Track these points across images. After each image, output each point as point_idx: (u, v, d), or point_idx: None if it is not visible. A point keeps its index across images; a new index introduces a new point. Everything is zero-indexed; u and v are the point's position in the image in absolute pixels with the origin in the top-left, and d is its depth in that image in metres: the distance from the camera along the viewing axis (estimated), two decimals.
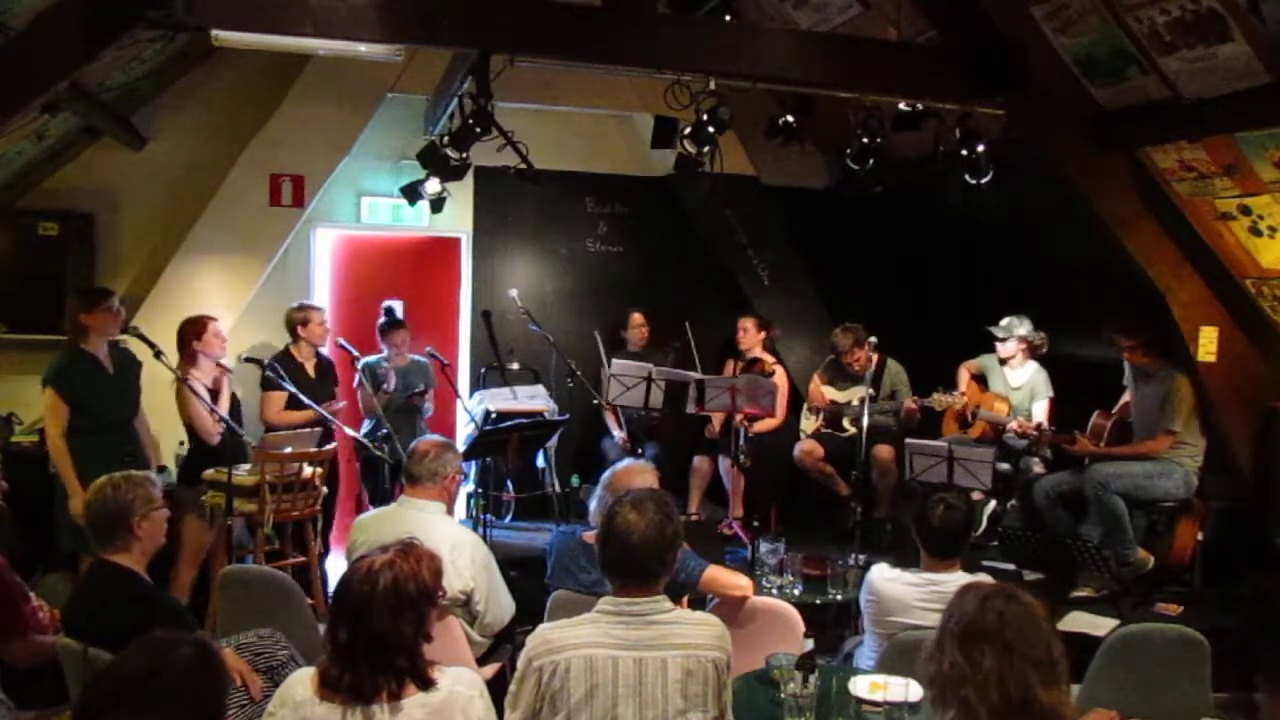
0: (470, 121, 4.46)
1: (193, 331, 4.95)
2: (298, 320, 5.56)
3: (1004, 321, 5.79)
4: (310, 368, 5.58)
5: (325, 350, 5.71)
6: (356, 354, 5.55)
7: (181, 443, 5.23)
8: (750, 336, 6.47)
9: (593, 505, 3.60)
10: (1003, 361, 5.87)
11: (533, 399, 6.11)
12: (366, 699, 2.13)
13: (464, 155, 4.80)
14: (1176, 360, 5.19)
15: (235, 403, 5.18)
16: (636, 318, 6.65)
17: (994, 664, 1.78)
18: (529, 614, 3.63)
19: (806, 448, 6.19)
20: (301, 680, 2.21)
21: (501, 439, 5.35)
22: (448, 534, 3.54)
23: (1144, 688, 3.13)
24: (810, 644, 3.50)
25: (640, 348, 6.63)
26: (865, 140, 5.08)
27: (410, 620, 2.20)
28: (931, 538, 3.30)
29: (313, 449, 4.84)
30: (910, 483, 5.17)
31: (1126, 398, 5.52)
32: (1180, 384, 5.11)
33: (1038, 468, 5.60)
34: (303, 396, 4.99)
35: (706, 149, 4.82)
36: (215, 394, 4.91)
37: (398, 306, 6.77)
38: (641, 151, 6.58)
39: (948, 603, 1.99)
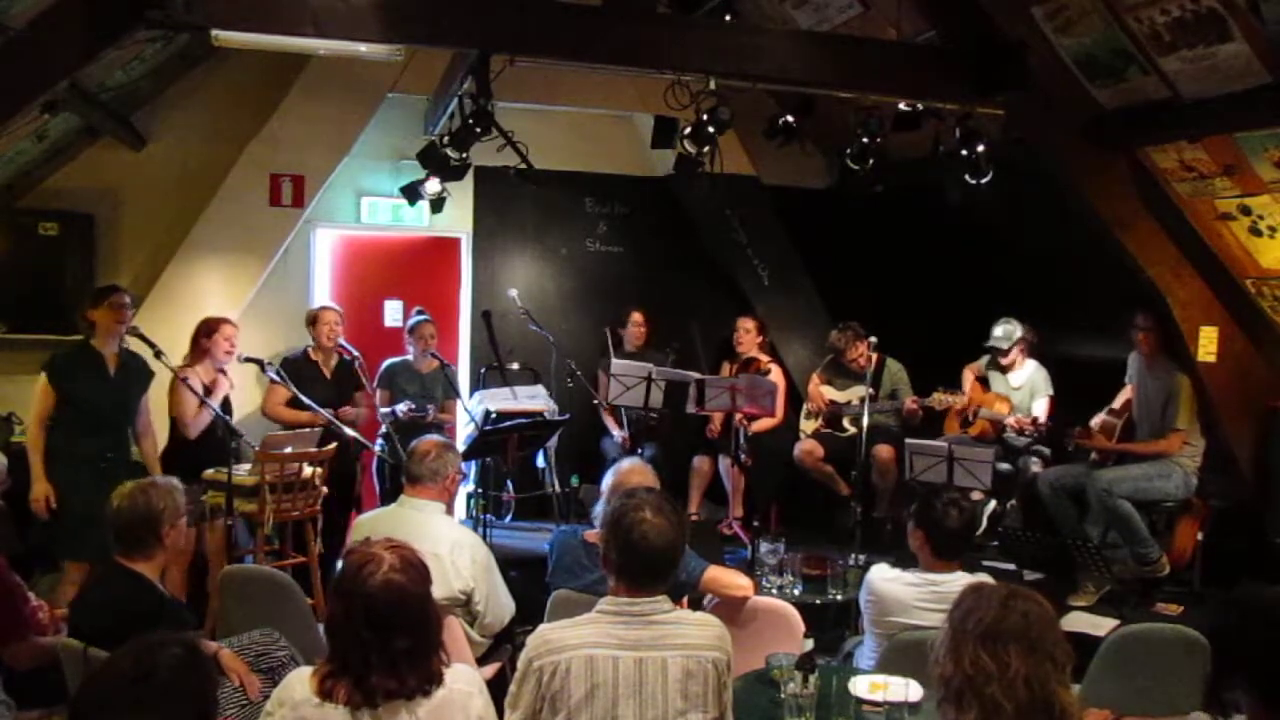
0: (470, 121, 4.46)
1: (204, 330, 5.01)
2: (307, 320, 5.64)
3: (999, 332, 5.76)
4: (327, 370, 5.58)
5: (353, 352, 5.63)
6: (355, 354, 5.54)
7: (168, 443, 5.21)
8: (750, 337, 6.47)
9: (599, 508, 3.58)
10: (1005, 369, 5.86)
11: (533, 399, 6.11)
12: (374, 700, 2.12)
13: (464, 155, 4.81)
14: (1179, 360, 5.20)
15: (228, 407, 5.17)
16: (637, 317, 6.65)
17: (1021, 664, 1.83)
18: (529, 614, 3.64)
19: (806, 447, 6.19)
20: (300, 680, 2.20)
21: (501, 439, 5.35)
22: (448, 534, 3.54)
23: (1144, 688, 3.13)
24: (810, 644, 3.49)
25: (636, 347, 6.62)
26: (865, 140, 5.08)
27: (435, 612, 2.23)
28: (944, 539, 3.29)
29: (313, 449, 4.83)
30: (910, 482, 5.17)
31: (1126, 395, 5.53)
32: (1184, 383, 5.13)
33: (1036, 467, 5.61)
34: (303, 397, 4.98)
35: (706, 149, 4.82)
36: (209, 393, 4.91)
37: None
38: (641, 151, 6.59)
39: (951, 604, 1.99)
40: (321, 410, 4.98)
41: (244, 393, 5.76)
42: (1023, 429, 5.51)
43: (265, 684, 3.03)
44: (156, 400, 4.97)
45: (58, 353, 4.51)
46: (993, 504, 5.79)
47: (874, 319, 6.03)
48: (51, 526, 4.36)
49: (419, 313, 6.13)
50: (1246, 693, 1.95)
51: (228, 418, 4.85)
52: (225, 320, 5.09)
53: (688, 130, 4.79)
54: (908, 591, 3.28)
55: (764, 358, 6.47)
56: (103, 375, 4.52)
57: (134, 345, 4.68)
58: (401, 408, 5.69)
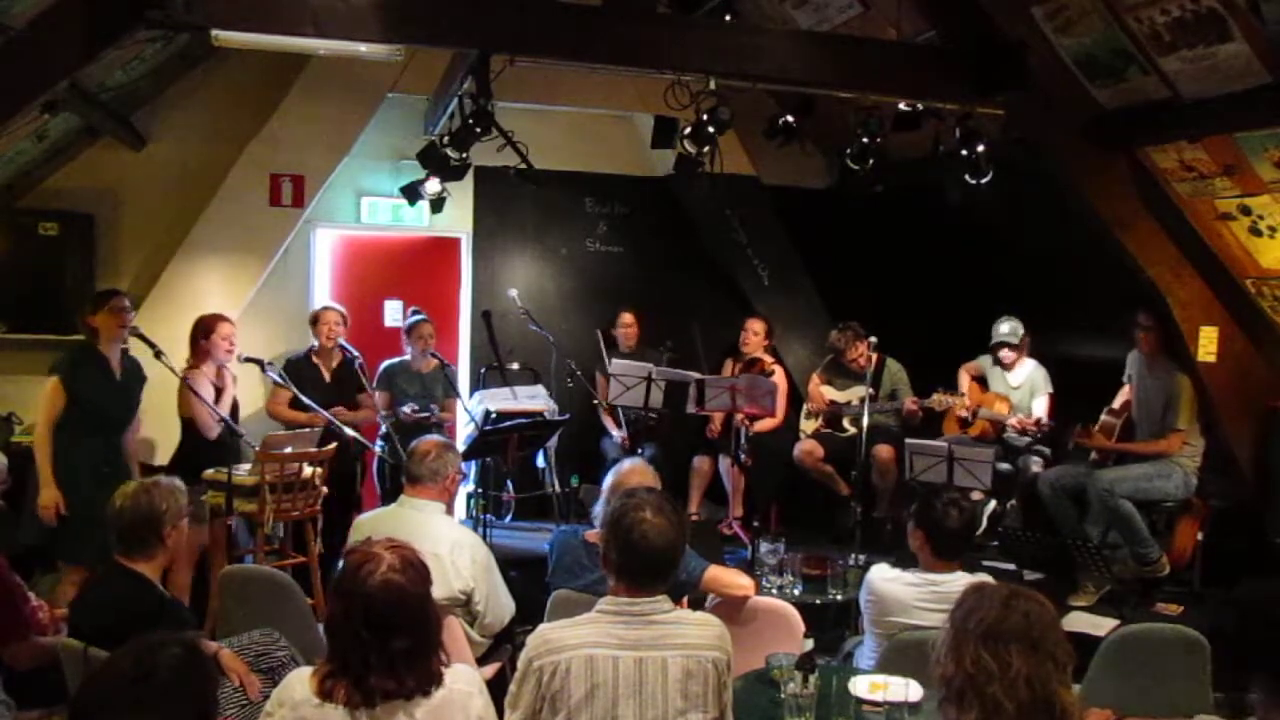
0: (470, 121, 4.46)
1: (202, 330, 4.99)
2: (310, 320, 5.64)
3: (1006, 329, 5.76)
4: (328, 372, 5.58)
5: (353, 352, 5.57)
6: (354, 354, 5.54)
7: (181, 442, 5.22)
8: (757, 339, 6.45)
9: (599, 508, 3.58)
10: (1007, 367, 5.85)
11: (533, 399, 6.11)
12: (373, 700, 2.12)
13: (464, 155, 4.81)
14: (1179, 360, 5.20)
15: (234, 405, 5.18)
16: (626, 317, 6.64)
17: (1022, 663, 1.84)
18: (529, 614, 3.64)
19: (806, 448, 6.19)
20: (300, 680, 2.20)
21: (501, 439, 5.35)
22: (448, 534, 3.54)
23: (1144, 688, 3.13)
24: (810, 644, 3.49)
25: (630, 348, 6.62)
26: (865, 140, 5.08)
27: (434, 612, 2.23)
28: (944, 540, 3.29)
29: (313, 449, 4.83)
30: (910, 482, 5.17)
31: (1125, 395, 5.53)
32: (1184, 383, 5.13)
33: (1037, 467, 5.61)
34: (303, 398, 4.99)
35: (706, 149, 4.82)
36: (220, 391, 4.92)
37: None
38: (641, 151, 6.58)
39: (954, 603, 2.00)
40: (322, 410, 4.98)
41: (245, 392, 5.75)
42: (1026, 429, 5.51)
43: (265, 684, 3.03)
44: (161, 402, 4.98)
45: (69, 355, 4.48)
46: (993, 504, 5.79)
47: (874, 319, 6.02)
48: (52, 528, 4.34)
49: (415, 312, 6.12)
50: (1260, 690, 1.96)
51: (229, 418, 4.85)
52: (221, 318, 5.06)
53: (688, 130, 4.79)
54: (908, 591, 3.28)
55: (768, 359, 6.47)
56: (109, 377, 4.52)
57: (135, 346, 4.68)
58: (407, 409, 5.69)
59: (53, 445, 4.35)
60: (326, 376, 5.58)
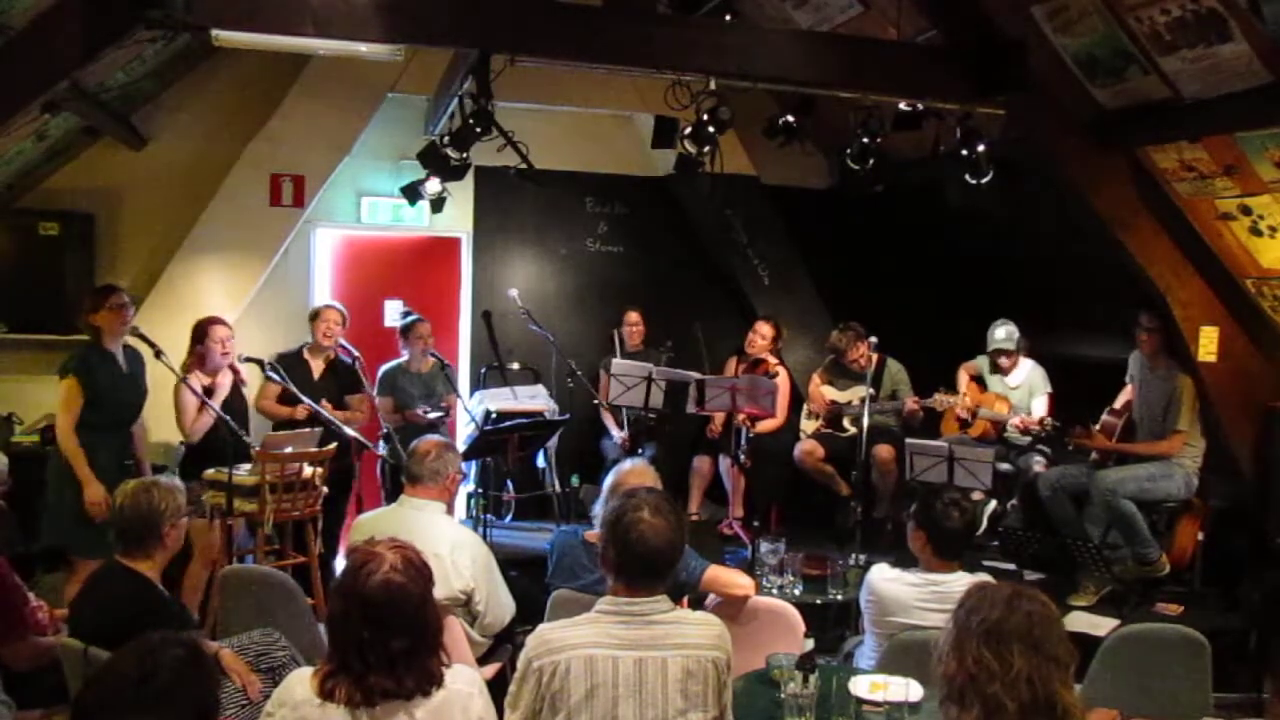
0: (470, 121, 4.46)
1: (197, 334, 5.00)
2: (310, 316, 5.63)
3: (1001, 334, 5.73)
4: (317, 369, 5.56)
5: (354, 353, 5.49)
6: (355, 354, 5.53)
7: (181, 442, 5.22)
8: (764, 342, 6.42)
9: (599, 508, 3.58)
10: (1005, 370, 5.84)
11: (533, 399, 6.11)
12: (373, 700, 2.12)
13: (464, 155, 4.80)
14: (1180, 360, 5.20)
15: (243, 403, 5.18)
16: (632, 316, 6.64)
17: (1023, 663, 1.84)
18: (529, 614, 3.64)
19: (807, 448, 6.19)
20: (301, 680, 2.20)
21: (501, 439, 5.34)
22: (448, 534, 3.55)
23: (1144, 688, 3.13)
24: (810, 644, 3.49)
25: (635, 347, 6.62)
26: (865, 140, 5.08)
27: (435, 613, 2.23)
28: (944, 540, 3.29)
29: (313, 449, 4.83)
30: (911, 482, 5.17)
31: (1126, 395, 5.53)
32: (1185, 384, 5.14)
33: (1039, 466, 5.61)
34: (301, 395, 4.98)
35: (706, 149, 4.82)
36: (210, 393, 4.91)
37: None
38: (641, 151, 6.59)
39: (956, 602, 2.00)
40: (314, 404, 4.98)
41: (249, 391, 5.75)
42: (1030, 429, 5.51)
43: (265, 684, 3.04)
44: (164, 403, 4.97)
45: (78, 355, 4.47)
46: (993, 504, 5.79)
47: (875, 319, 6.02)
48: (73, 525, 4.34)
49: (409, 313, 6.11)
50: (1272, 687, 1.96)
51: (236, 419, 4.85)
52: (216, 321, 5.06)
53: (688, 130, 4.79)
54: (908, 592, 3.28)
55: (772, 360, 6.46)
56: (119, 374, 4.54)
57: (133, 344, 4.68)
58: (420, 411, 5.66)
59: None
60: (315, 374, 5.53)
